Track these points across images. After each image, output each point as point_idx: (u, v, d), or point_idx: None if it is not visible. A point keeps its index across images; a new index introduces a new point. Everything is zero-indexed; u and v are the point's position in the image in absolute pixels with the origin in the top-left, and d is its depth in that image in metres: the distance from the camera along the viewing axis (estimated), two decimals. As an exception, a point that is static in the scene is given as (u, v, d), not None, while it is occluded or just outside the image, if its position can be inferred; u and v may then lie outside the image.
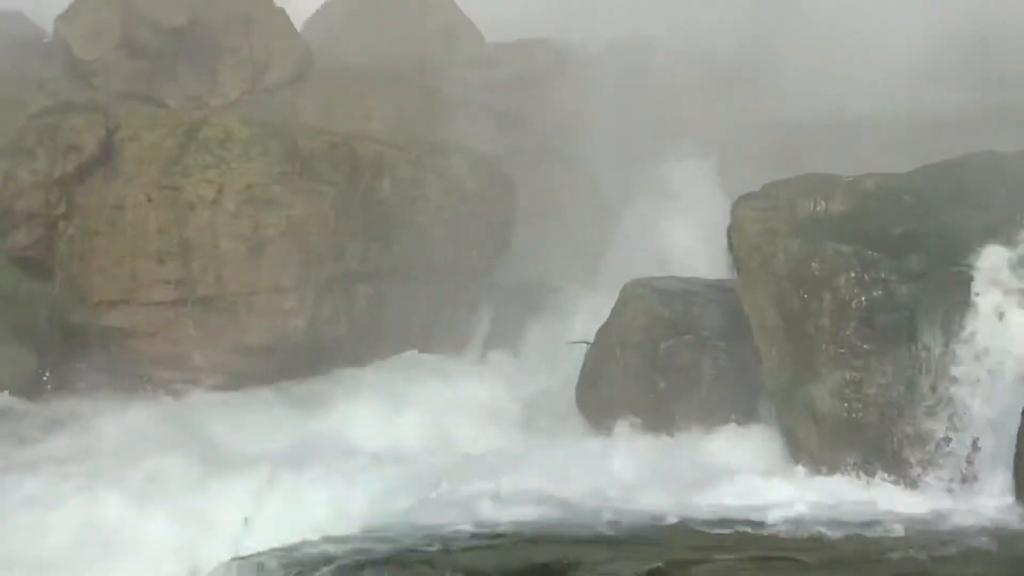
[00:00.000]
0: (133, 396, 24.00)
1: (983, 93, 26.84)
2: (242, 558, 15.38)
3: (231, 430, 22.22)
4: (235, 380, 24.77)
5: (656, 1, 30.98)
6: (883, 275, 18.59)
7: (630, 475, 18.88)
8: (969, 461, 17.50)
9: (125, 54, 29.96)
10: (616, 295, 22.33)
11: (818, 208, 20.08)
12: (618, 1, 31.95)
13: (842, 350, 18.63)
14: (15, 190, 25.65)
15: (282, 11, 31.58)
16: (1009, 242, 18.25)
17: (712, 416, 20.65)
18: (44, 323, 25.04)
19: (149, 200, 25.21)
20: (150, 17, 30.13)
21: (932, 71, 26.97)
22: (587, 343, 22.74)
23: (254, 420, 22.72)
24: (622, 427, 20.89)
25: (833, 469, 18.43)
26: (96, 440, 21.44)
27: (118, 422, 22.07)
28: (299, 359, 24.98)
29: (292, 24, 31.88)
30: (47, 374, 24.62)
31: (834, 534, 15.78)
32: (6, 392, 23.79)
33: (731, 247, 20.82)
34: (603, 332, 22.32)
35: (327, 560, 14.88)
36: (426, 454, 20.42)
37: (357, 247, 25.83)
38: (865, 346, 18.46)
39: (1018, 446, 16.97)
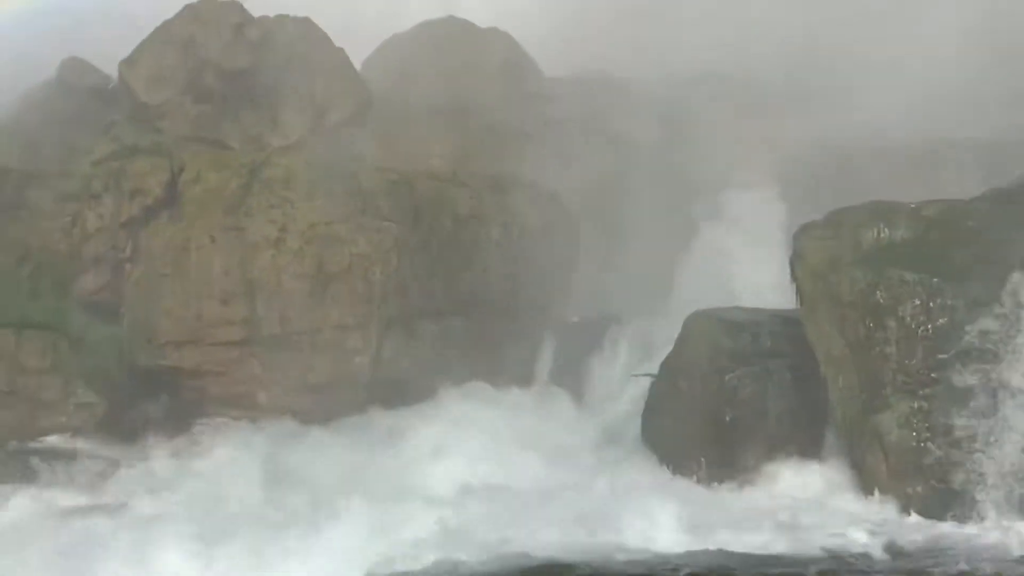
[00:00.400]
0: (201, 437, 24.18)
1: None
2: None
3: (306, 466, 22.37)
4: (301, 418, 24.88)
5: (708, 34, 30.92)
6: (949, 302, 18.40)
7: (697, 515, 18.78)
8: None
9: (189, 98, 30.31)
10: (680, 327, 22.19)
11: (881, 235, 19.90)
12: (671, 35, 31.91)
13: (909, 379, 18.43)
14: (83, 235, 26.03)
15: (342, 51, 31.82)
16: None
17: (779, 448, 20.43)
18: (113, 365, 25.27)
19: (213, 241, 25.46)
20: (213, 61, 30.47)
21: (993, 94, 26.68)
22: (651, 376, 22.61)
23: (326, 455, 22.81)
24: (688, 464, 20.73)
25: (904, 503, 18.19)
26: (169, 486, 21.65)
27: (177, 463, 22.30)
28: (363, 396, 25.05)
29: (352, 64, 32.09)
30: (117, 415, 24.87)
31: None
32: (78, 435, 24.10)
33: (794, 276, 20.66)
34: (667, 364, 22.19)
35: None
36: (491, 490, 20.37)
37: (420, 284, 25.91)
38: (932, 374, 18.25)
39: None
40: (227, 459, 23.01)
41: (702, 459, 20.80)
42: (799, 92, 29.31)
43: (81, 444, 24.04)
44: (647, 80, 31.89)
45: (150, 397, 25.16)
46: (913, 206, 20.18)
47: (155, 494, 21.47)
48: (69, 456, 23.53)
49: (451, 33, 34.13)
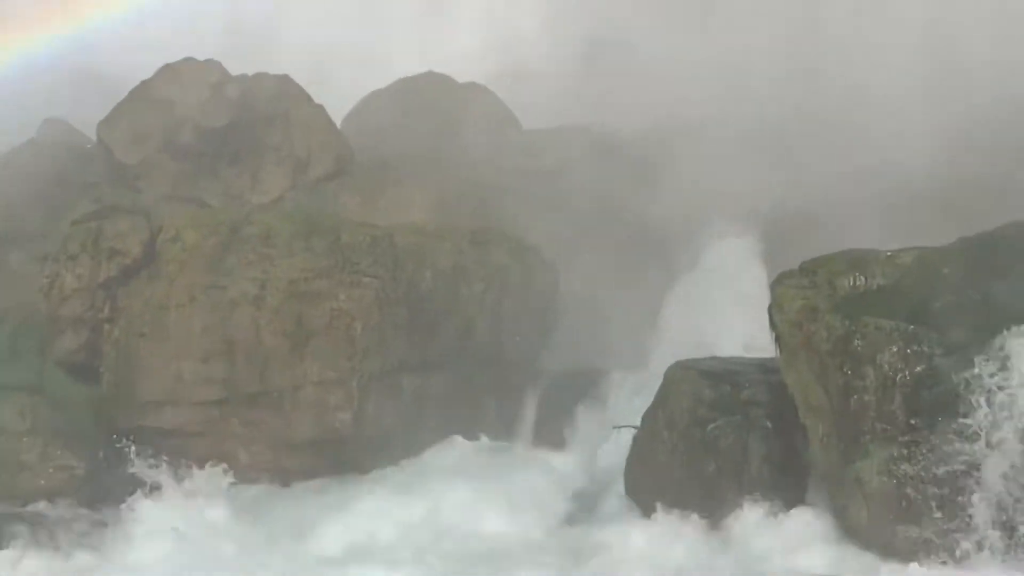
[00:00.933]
0: (179, 498, 24.02)
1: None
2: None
3: (280, 529, 22.26)
4: (281, 476, 24.78)
5: (689, 85, 31.09)
6: (926, 349, 18.42)
7: (681, 565, 18.71)
8: (1019, 538, 17.21)
9: (167, 156, 30.43)
10: (661, 377, 22.19)
11: (858, 283, 19.95)
12: (651, 86, 32.08)
13: (888, 426, 18.41)
14: (60, 296, 25.97)
15: (321, 108, 31.96)
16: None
17: (762, 497, 20.37)
18: (92, 427, 25.16)
19: (192, 300, 25.42)
20: (191, 119, 30.60)
21: (968, 141, 26.84)
22: (634, 427, 22.58)
23: (303, 517, 22.70)
24: (672, 515, 20.65)
25: (886, 550, 18.14)
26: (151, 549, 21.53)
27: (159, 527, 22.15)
28: (346, 453, 24.95)
29: (331, 120, 32.24)
30: (95, 478, 24.72)
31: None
32: (58, 497, 23.95)
33: (773, 325, 20.67)
34: (649, 415, 22.16)
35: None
36: (475, 542, 20.30)
37: (401, 339, 25.84)
38: (911, 421, 18.24)
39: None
40: (208, 520, 22.86)
41: (686, 509, 20.69)
42: (776, 142, 29.46)
43: (61, 507, 23.88)
44: (625, 132, 32.06)
45: (130, 458, 25.01)
46: (888, 254, 20.25)
47: (136, 556, 21.35)
48: (50, 520, 23.33)
49: (430, 88, 34.36)
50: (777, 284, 20.95)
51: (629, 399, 24.58)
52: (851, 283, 19.95)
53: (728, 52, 31.33)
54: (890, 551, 18.11)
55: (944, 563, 17.60)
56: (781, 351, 20.46)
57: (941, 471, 17.83)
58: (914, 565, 17.74)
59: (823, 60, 29.71)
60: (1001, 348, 17.97)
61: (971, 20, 28.63)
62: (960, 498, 17.73)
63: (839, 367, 19.07)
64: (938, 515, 17.79)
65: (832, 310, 19.59)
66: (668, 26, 33.26)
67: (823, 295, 19.99)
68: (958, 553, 17.61)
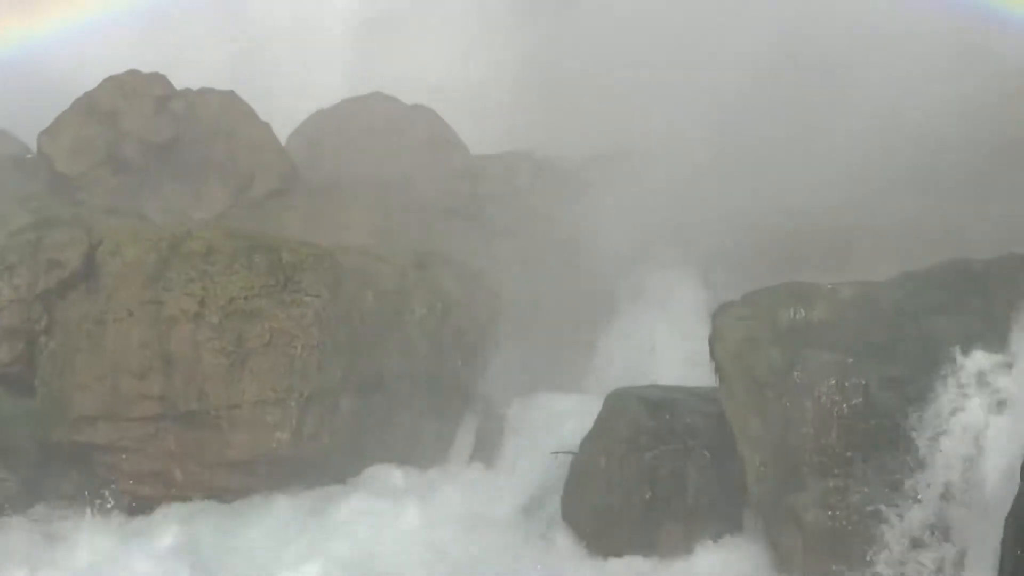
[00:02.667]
0: (112, 514, 23.78)
1: (965, 200, 27.03)
2: None
3: (213, 551, 22.08)
4: (217, 495, 24.55)
5: (635, 113, 31.27)
6: (863, 382, 18.58)
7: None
8: (954, 567, 17.38)
9: (109, 170, 30.16)
10: (601, 404, 22.22)
11: (798, 316, 20.11)
12: (597, 114, 32.24)
13: (825, 458, 18.54)
14: (-4, 306, 25.65)
15: (267, 126, 31.84)
16: (987, 349, 18.27)
17: (699, 526, 20.44)
18: (25, 440, 24.82)
19: (131, 315, 25.15)
20: (135, 133, 30.36)
21: (908, 179, 27.18)
22: (572, 453, 22.58)
23: (243, 536, 22.54)
24: (607, 542, 20.68)
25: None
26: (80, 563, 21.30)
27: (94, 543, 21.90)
28: (282, 473, 24.76)
29: (276, 138, 32.12)
30: (28, 491, 24.40)
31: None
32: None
33: (713, 356, 20.78)
34: (588, 442, 22.18)
35: None
36: (404, 570, 20.22)
37: (341, 359, 25.71)
38: (848, 454, 18.38)
39: (1002, 553, 16.80)
40: (139, 539, 22.63)
41: (622, 536, 20.73)
42: (721, 172, 29.66)
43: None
44: (571, 158, 32.19)
45: (63, 473, 24.71)
46: (830, 287, 20.44)
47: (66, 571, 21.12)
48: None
49: (376, 109, 34.29)
50: (718, 314, 21.10)
51: (568, 425, 24.57)
52: (792, 315, 20.12)
53: (677, 82, 31.53)
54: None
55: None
56: (721, 381, 20.58)
57: (877, 504, 17.96)
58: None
59: (778, 90, 29.95)
60: (939, 381, 18.17)
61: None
62: (895, 531, 17.85)
63: (778, 398, 19.22)
64: (872, 548, 17.92)
65: (773, 341, 19.75)
66: (619, 54, 33.43)
67: (764, 326, 20.15)
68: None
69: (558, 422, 25.31)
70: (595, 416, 22.22)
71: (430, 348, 27.07)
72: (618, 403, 21.94)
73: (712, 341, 20.83)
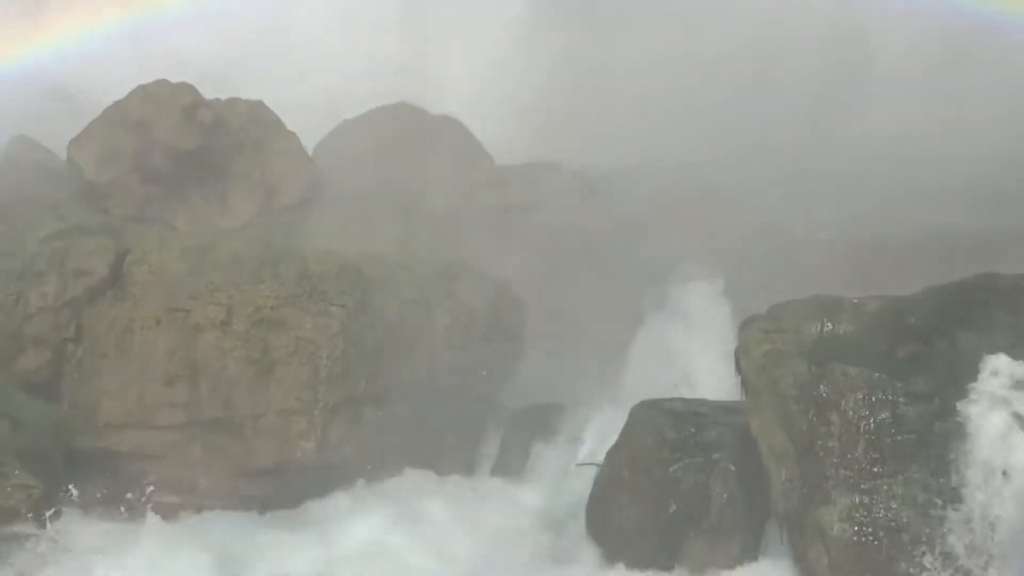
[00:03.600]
0: (140, 521, 23.81)
1: (992, 215, 26.95)
2: None
3: (237, 559, 22.10)
4: (242, 503, 24.61)
5: (661, 124, 31.29)
6: (890, 397, 18.51)
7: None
8: (984, 581, 17.35)
9: (137, 178, 30.23)
10: (626, 417, 22.17)
11: (825, 330, 20.05)
12: (623, 125, 32.26)
13: (851, 473, 18.48)
14: (24, 314, 25.74)
15: (294, 135, 31.90)
16: (1014, 363, 18.20)
17: (723, 540, 20.39)
18: (51, 447, 24.88)
19: (158, 323, 25.29)
20: (162, 142, 30.43)
21: (939, 192, 27.13)
22: (596, 465, 22.54)
23: (266, 545, 22.56)
24: (631, 556, 20.64)
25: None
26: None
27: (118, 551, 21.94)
28: (307, 481, 24.81)
29: (303, 148, 32.18)
30: (54, 498, 24.44)
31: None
32: (15, 518, 23.63)
33: (739, 369, 20.73)
34: (613, 455, 22.13)
35: None
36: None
37: (366, 369, 25.77)
38: (874, 469, 18.31)
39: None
40: (166, 547, 22.66)
41: (646, 550, 20.68)
42: (748, 184, 29.63)
43: (18, 527, 23.58)
44: (596, 169, 32.18)
45: (89, 480, 24.77)
46: (856, 301, 20.36)
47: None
48: (6, 539, 23.05)
49: (403, 119, 34.32)
50: (744, 328, 21.05)
51: (592, 437, 24.56)
52: (818, 329, 20.05)
53: (703, 94, 31.54)
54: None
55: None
56: (746, 394, 20.52)
57: (903, 519, 17.89)
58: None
59: (801, 101, 29.94)
60: (964, 396, 18.12)
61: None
62: (922, 547, 17.77)
63: (804, 412, 19.14)
64: (899, 564, 17.84)
65: (798, 355, 19.68)
66: (646, 65, 33.45)
67: (790, 340, 20.09)
68: (917, 603, 17.66)
69: (582, 434, 25.34)
70: (620, 428, 22.16)
71: (454, 358, 27.10)
72: (643, 415, 21.88)
73: (738, 354, 20.78)
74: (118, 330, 25.39)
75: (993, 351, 18.41)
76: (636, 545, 20.85)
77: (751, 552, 20.03)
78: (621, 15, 36.66)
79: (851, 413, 18.64)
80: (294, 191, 31.32)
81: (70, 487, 24.31)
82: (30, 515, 23.69)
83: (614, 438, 22.18)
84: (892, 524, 18.04)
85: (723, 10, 34.18)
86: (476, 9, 38.97)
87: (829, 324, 20.09)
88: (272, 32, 39.87)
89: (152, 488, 24.52)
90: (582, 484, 22.75)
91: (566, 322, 28.57)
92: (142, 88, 30.89)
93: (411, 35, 40.53)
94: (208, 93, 31.50)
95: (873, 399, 18.60)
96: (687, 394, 23.71)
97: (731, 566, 19.87)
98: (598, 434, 24.18)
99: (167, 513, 24.29)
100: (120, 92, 31.04)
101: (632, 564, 20.77)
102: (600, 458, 22.45)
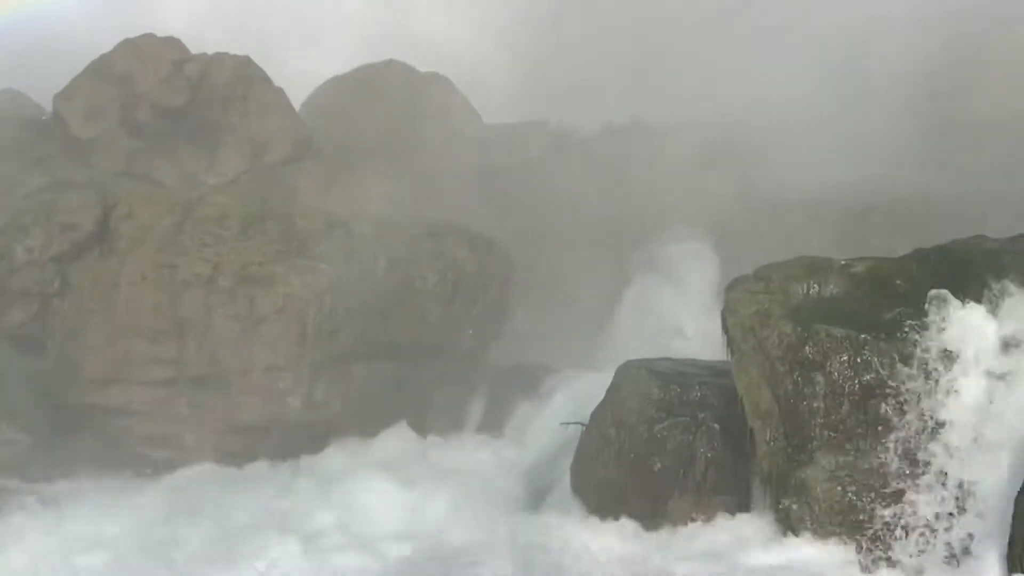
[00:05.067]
0: (125, 477, 23.87)
1: (975, 179, 26.98)
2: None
3: (223, 515, 22.15)
4: (228, 458, 24.64)
5: (649, 85, 31.22)
6: (875, 358, 18.57)
7: (625, 563, 18.78)
8: (962, 541, 17.45)
9: (123, 133, 30.17)
10: (612, 376, 22.22)
11: (811, 291, 20.06)
12: (612, 85, 32.19)
13: (835, 433, 18.56)
14: (10, 268, 25.71)
15: (281, 91, 31.81)
16: (998, 324, 18.31)
17: (708, 498, 20.46)
18: (37, 401, 24.92)
19: (144, 278, 25.24)
20: (150, 97, 30.35)
21: (924, 156, 27.15)
22: (582, 424, 22.59)
23: (252, 501, 22.59)
24: (615, 513, 20.71)
25: (829, 555, 18.29)
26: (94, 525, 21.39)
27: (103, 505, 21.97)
28: (293, 438, 24.85)
29: (291, 103, 32.09)
30: (39, 453, 24.48)
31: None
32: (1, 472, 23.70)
33: (725, 329, 20.74)
34: (598, 413, 22.15)
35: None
36: (413, 539, 20.27)
37: (353, 327, 25.76)
38: (858, 430, 18.40)
39: (1013, 527, 16.87)
40: (152, 503, 22.73)
41: (630, 508, 20.75)
42: (735, 146, 29.61)
43: (3, 482, 23.63)
44: (585, 129, 32.13)
45: (75, 434, 24.79)
46: (843, 263, 20.36)
47: (80, 532, 21.19)
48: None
49: (391, 77, 34.25)
50: (731, 288, 21.03)
51: (579, 396, 24.59)
52: (804, 290, 20.06)
53: (688, 55, 31.48)
54: (833, 555, 18.22)
55: (888, 570, 17.76)
56: (732, 354, 20.52)
57: (887, 478, 18.01)
58: (859, 571, 17.89)
59: (795, 70, 29.90)
60: (948, 357, 18.21)
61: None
62: (904, 506, 17.90)
63: (789, 373, 19.17)
64: (883, 522, 17.96)
65: (785, 316, 19.68)
66: (636, 25, 33.38)
67: (776, 301, 20.07)
68: (902, 561, 17.76)
69: (568, 393, 25.39)
70: (606, 387, 22.22)
71: (441, 316, 27.12)
72: (629, 375, 21.90)
73: (724, 314, 20.77)
74: (104, 285, 25.36)
75: (980, 314, 18.49)
76: (621, 502, 20.89)
77: (735, 510, 20.09)
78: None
79: (836, 375, 18.70)
80: (282, 148, 31.26)
81: (56, 442, 24.44)
82: (17, 469, 23.83)
83: (601, 397, 22.25)
84: (876, 484, 18.14)
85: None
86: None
87: (816, 286, 20.07)
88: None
89: (138, 444, 24.60)
90: (567, 442, 22.82)
91: (554, 281, 28.59)
92: (127, 42, 30.84)
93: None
94: (194, 48, 31.42)
95: (858, 361, 18.66)
96: (674, 355, 23.73)
97: (715, 524, 19.94)
98: (584, 393, 24.19)
99: (153, 469, 24.36)
100: (108, 45, 30.92)
101: (616, 520, 20.81)
102: (586, 417, 22.50)
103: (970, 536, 17.56)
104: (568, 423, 23.32)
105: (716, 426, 20.83)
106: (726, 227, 27.95)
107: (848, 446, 18.41)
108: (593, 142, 31.56)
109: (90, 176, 28.17)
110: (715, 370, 21.57)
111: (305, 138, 31.67)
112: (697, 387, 21.40)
